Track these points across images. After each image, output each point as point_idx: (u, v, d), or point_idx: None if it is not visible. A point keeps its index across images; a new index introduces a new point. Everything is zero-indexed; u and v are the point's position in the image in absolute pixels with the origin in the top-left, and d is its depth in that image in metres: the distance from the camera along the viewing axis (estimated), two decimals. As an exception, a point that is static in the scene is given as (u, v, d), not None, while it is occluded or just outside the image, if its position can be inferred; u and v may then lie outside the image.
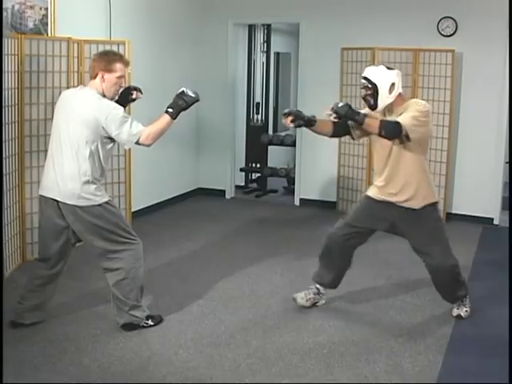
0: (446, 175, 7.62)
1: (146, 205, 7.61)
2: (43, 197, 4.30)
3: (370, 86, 4.41)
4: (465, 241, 6.82)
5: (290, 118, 4.48)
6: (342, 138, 7.77)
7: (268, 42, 9.70)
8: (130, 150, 6.13)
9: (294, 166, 8.77)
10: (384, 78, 4.40)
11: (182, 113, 4.27)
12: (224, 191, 8.95)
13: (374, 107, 4.46)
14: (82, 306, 4.86)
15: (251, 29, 9.51)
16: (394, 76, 4.43)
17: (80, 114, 4.15)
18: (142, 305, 4.50)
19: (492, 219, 7.66)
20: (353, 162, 8.01)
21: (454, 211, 7.80)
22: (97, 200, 4.21)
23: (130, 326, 4.45)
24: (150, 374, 3.89)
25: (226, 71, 8.75)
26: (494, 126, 7.46)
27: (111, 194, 6.56)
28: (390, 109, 4.49)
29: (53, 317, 4.60)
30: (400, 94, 4.48)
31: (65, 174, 4.17)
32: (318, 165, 8.43)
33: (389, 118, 4.41)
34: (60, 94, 4.57)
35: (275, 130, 10.35)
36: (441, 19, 7.53)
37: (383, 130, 4.26)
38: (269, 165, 9.49)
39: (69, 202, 4.17)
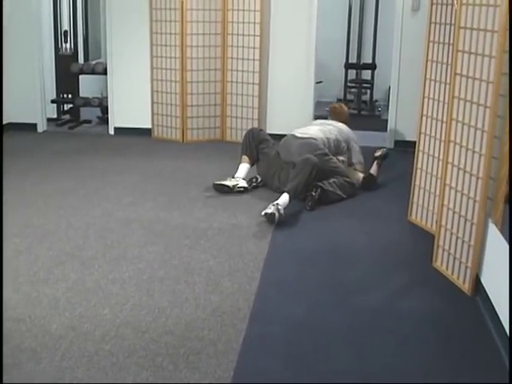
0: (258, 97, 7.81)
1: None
2: None
3: None
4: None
5: None
6: (154, 62, 7.80)
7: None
8: None
9: (107, 94, 8.58)
10: None
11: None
12: (35, 125, 8.60)
13: None
14: None
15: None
16: None
17: None
18: None
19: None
20: (166, 88, 7.96)
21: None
22: None
23: None
24: (-36, 318, 3.75)
25: (28, -1, 8.29)
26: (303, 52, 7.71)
27: None
28: None
29: None
30: None
31: None
32: (131, 92, 8.30)
33: None
34: None
35: (86, 58, 10.00)
36: None
37: None
38: (81, 95, 9.19)
39: None
